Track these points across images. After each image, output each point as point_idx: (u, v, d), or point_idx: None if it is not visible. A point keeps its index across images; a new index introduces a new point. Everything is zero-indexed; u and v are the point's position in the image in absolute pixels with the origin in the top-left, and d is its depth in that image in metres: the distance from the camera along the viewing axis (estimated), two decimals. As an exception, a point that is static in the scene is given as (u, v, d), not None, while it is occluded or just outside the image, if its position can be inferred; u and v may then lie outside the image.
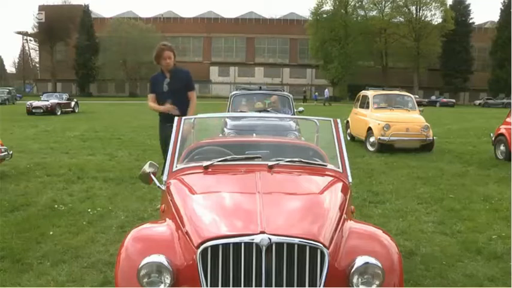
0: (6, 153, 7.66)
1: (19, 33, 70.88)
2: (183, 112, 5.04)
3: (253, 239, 2.05)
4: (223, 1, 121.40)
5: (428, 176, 8.29)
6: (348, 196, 2.87)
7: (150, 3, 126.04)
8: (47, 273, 3.75)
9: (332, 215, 2.41)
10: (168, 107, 5.15)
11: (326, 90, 50.30)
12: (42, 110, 25.16)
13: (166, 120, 5.06)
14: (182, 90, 5.25)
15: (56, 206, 5.82)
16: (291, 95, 9.54)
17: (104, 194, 6.54)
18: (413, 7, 61.20)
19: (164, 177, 3.09)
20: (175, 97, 5.15)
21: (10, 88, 44.62)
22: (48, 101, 26.33)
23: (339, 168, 3.17)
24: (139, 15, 68.38)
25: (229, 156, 3.19)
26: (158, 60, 5.20)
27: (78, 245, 4.40)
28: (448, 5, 60.68)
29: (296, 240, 2.08)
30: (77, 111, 28.37)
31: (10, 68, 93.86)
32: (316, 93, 59.31)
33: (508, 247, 4.49)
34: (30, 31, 68.14)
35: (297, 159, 3.10)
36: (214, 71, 70.16)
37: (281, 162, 3.01)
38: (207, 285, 2.06)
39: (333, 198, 2.68)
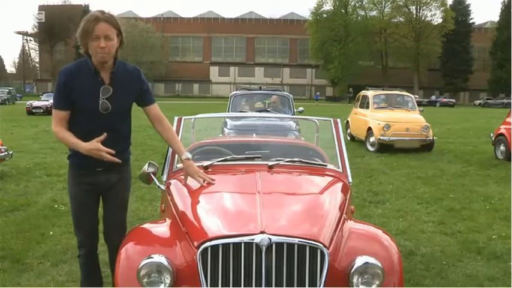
0: (6, 153, 7.66)
1: (19, 33, 70.94)
2: (125, 154, 2.84)
3: (253, 239, 2.05)
4: (223, 1, 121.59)
5: (428, 176, 8.29)
6: (348, 196, 2.87)
7: (150, 3, 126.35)
8: (47, 273, 3.75)
9: (332, 215, 2.41)
10: (99, 150, 2.54)
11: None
12: (42, 110, 25.21)
13: (93, 164, 2.68)
14: (130, 108, 2.80)
15: (56, 206, 5.82)
16: (291, 95, 9.55)
17: (104, 194, 6.53)
18: (414, 7, 61.29)
19: (164, 177, 3.09)
20: (116, 123, 2.72)
21: (10, 88, 44.65)
22: (48, 101, 26.31)
23: (339, 168, 3.17)
24: (139, 15, 68.43)
25: (229, 156, 3.20)
26: (85, 40, 2.57)
27: (78, 245, 4.39)
28: (448, 5, 60.76)
29: (296, 240, 2.08)
30: (77, 111, 28.36)
31: (10, 68, 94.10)
32: (318, 93, 59.52)
33: (508, 247, 4.49)
34: (30, 31, 68.34)
35: (297, 159, 3.10)
36: (214, 71, 70.19)
37: (281, 162, 3.01)
38: (207, 285, 2.06)
39: (333, 198, 2.67)
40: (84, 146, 2.56)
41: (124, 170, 2.88)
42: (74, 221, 2.90)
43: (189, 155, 2.82)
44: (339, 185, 2.91)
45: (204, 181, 2.70)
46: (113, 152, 2.56)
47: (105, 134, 2.55)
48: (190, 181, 2.88)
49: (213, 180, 2.71)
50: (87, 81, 2.62)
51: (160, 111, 2.87)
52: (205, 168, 2.98)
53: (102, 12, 2.59)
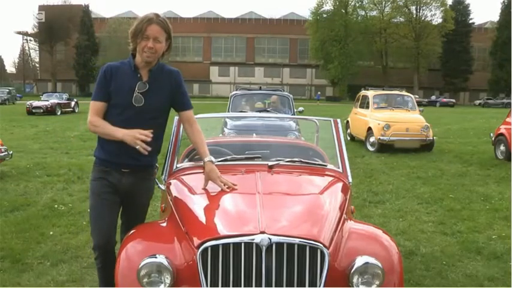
0: (6, 153, 7.66)
1: (19, 33, 70.88)
2: (152, 158, 2.84)
3: (253, 239, 2.05)
4: (223, 1, 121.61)
5: (428, 176, 8.29)
6: (348, 196, 2.87)
7: (150, 3, 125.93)
8: (47, 273, 3.75)
9: (332, 215, 2.41)
10: (137, 136, 2.56)
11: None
12: (42, 110, 25.19)
13: (120, 163, 2.74)
14: (164, 109, 2.79)
15: (56, 206, 5.82)
16: (291, 95, 9.54)
17: (104, 194, 6.53)
18: (414, 7, 61.34)
19: (164, 177, 3.09)
20: (147, 121, 2.66)
21: (10, 88, 44.64)
22: (48, 101, 26.38)
23: (339, 168, 3.17)
24: (139, 15, 68.32)
25: (229, 156, 3.20)
26: (135, 38, 2.67)
27: (78, 245, 4.40)
28: (448, 5, 60.78)
29: (296, 241, 2.08)
30: (77, 111, 28.40)
31: (10, 68, 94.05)
32: (319, 93, 59.61)
33: (508, 247, 4.49)
34: (30, 31, 68.23)
35: (297, 159, 3.10)
36: (214, 71, 70.17)
37: (281, 162, 3.01)
38: (207, 285, 2.06)
39: (333, 198, 2.67)
40: (121, 131, 2.58)
41: (149, 177, 2.88)
42: (92, 218, 2.83)
43: (213, 158, 2.76)
44: (339, 185, 2.91)
45: (225, 185, 2.61)
46: (149, 138, 2.56)
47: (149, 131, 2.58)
48: (191, 181, 2.88)
49: (235, 185, 2.61)
50: (125, 76, 2.68)
51: (193, 116, 2.89)
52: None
53: (157, 15, 2.68)
